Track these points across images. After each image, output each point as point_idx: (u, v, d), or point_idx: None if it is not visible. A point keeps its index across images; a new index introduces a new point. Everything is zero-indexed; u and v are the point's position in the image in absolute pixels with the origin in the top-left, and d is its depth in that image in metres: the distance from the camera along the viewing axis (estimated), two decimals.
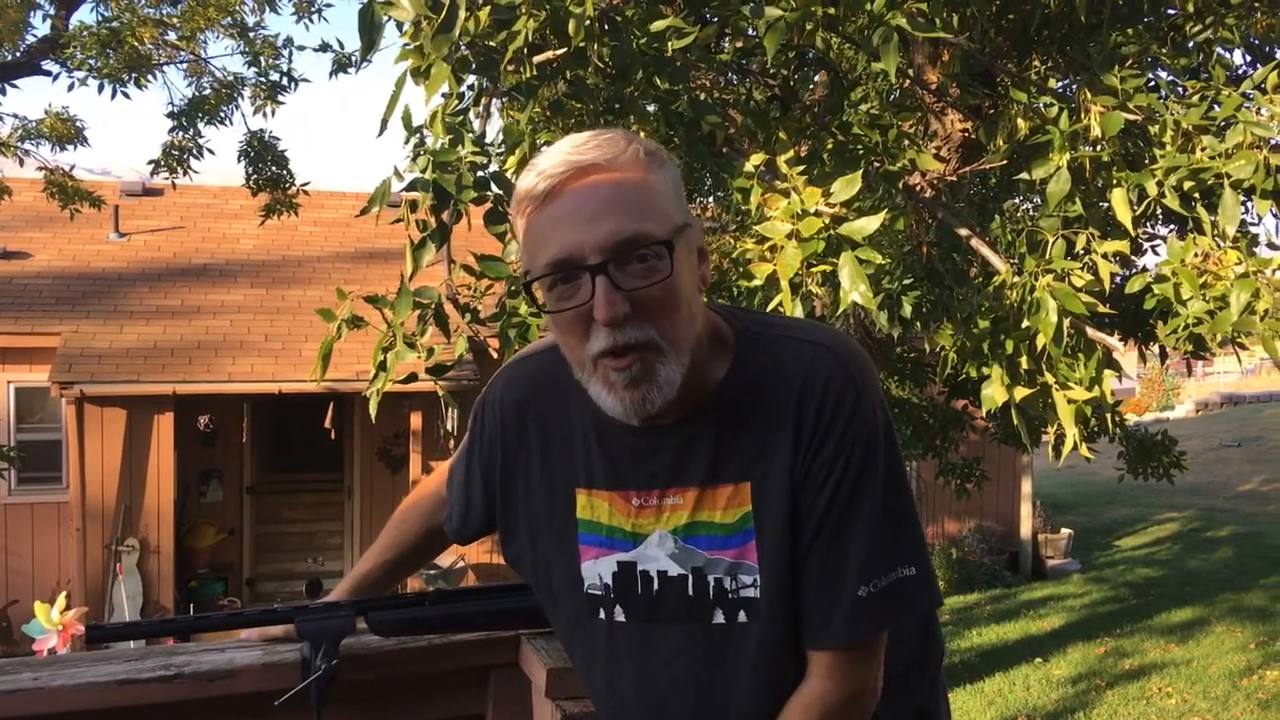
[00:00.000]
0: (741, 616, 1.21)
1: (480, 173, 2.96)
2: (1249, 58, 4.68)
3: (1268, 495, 16.28)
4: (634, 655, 1.27)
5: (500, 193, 2.99)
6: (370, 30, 2.70)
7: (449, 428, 9.73)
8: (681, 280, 1.14)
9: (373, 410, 3.31)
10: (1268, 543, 12.91)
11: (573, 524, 1.28)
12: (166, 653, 1.54)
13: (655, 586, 1.24)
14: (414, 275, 3.03)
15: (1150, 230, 4.75)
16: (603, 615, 1.28)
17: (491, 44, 2.86)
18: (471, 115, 3.34)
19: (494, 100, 3.57)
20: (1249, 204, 3.53)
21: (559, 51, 2.89)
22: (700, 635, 1.23)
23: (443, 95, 3.02)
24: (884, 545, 1.18)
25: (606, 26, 3.02)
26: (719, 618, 1.22)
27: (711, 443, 1.20)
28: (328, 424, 9.26)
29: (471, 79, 3.26)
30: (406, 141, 3.24)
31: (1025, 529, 12.78)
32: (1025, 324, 3.49)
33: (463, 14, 2.68)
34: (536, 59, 2.89)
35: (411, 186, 2.95)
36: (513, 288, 3.31)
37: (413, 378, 3.38)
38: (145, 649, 1.60)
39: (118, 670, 1.46)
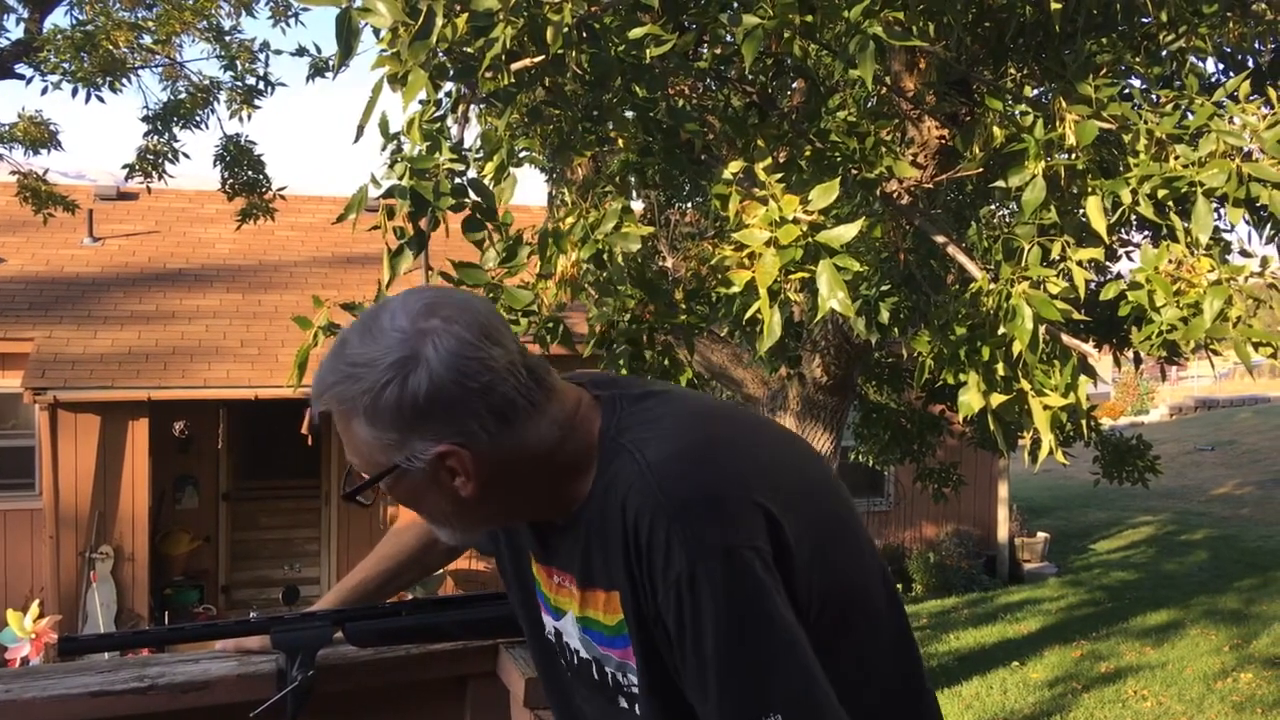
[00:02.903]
0: (637, 710, 1.22)
1: (458, 180, 2.96)
2: (1222, 66, 4.72)
3: (1242, 498, 16.43)
4: (586, 701, 1.32)
5: (478, 200, 2.99)
6: (347, 36, 2.68)
7: None
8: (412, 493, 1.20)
9: None
10: (1242, 545, 13.03)
11: (531, 577, 1.33)
12: (140, 664, 1.52)
13: (575, 661, 1.28)
14: (391, 282, 3.02)
15: (1125, 237, 4.79)
16: (558, 658, 1.33)
17: (469, 50, 2.85)
18: (450, 121, 3.33)
19: (472, 106, 3.56)
20: (1221, 212, 3.57)
21: (537, 59, 2.88)
22: (613, 712, 1.26)
23: (420, 102, 3.01)
24: (738, 695, 1.06)
25: (585, 34, 3.02)
26: (622, 703, 1.24)
27: (583, 551, 1.19)
28: (305, 430, 9.18)
29: (449, 85, 3.25)
30: (384, 148, 3.23)
31: (1002, 533, 12.85)
32: (1001, 331, 3.50)
33: (440, 20, 2.67)
34: (514, 66, 2.88)
35: (389, 194, 2.94)
36: (491, 295, 3.31)
37: None
38: (119, 660, 1.59)
39: (91, 682, 1.44)
